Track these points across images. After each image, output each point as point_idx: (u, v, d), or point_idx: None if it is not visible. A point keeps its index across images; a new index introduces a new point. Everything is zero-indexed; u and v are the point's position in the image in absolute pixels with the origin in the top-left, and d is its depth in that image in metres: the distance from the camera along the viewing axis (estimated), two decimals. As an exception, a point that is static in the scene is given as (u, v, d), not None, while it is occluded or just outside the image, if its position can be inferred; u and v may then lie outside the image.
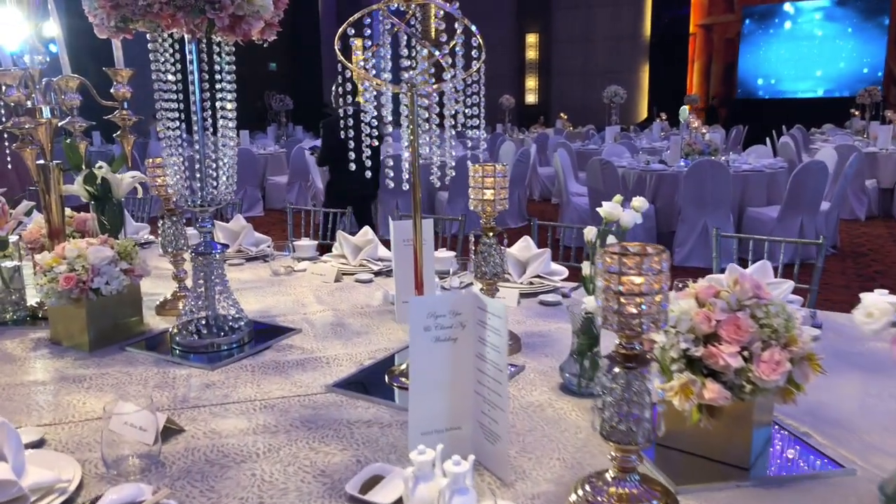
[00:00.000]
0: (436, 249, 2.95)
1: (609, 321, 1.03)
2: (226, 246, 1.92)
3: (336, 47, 1.48)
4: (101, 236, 1.96)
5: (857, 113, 13.18)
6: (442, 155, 1.61)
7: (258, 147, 10.69)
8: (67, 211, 2.38)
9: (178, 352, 1.85)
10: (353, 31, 1.49)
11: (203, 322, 1.86)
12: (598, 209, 1.65)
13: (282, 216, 9.44)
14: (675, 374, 1.21)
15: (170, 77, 1.73)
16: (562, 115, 16.17)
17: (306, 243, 2.97)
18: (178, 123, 1.77)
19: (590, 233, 1.63)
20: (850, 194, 8.16)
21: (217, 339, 1.85)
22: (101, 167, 2.24)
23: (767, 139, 10.61)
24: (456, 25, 1.47)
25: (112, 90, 2.19)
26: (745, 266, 2.15)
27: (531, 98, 19.55)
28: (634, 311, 1.00)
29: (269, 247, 3.07)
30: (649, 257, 0.99)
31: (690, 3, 18.38)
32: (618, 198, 1.66)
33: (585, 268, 1.63)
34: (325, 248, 3.11)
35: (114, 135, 2.25)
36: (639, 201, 1.64)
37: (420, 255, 1.63)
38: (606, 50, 18.90)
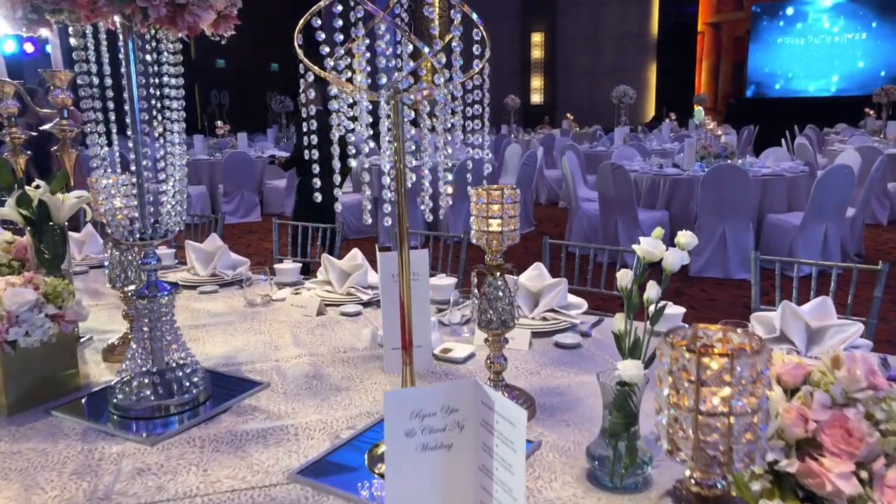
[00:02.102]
0: (433, 274, 2.62)
1: (678, 450, 0.69)
2: (175, 286, 1.58)
3: (296, 42, 1.14)
4: (26, 274, 1.62)
5: (871, 112, 12.79)
6: (434, 177, 1.27)
7: (256, 150, 10.35)
8: (7, 235, 2.06)
9: (115, 417, 1.51)
10: (319, 22, 1.15)
11: (146, 381, 1.52)
12: (633, 246, 1.30)
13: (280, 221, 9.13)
14: (760, 499, 0.87)
15: (94, 80, 1.39)
16: (568, 115, 15.81)
17: (289, 266, 2.63)
18: (106, 139, 1.43)
19: (624, 278, 1.28)
20: (872, 198, 7.78)
21: (164, 402, 1.52)
22: (37, 187, 1.90)
23: (783, 140, 10.24)
24: (453, 14, 1.13)
25: (49, 97, 1.85)
26: (770, 283, 1.81)
27: (536, 98, 19.18)
28: (719, 437, 0.66)
29: (247, 269, 2.73)
30: (745, 358, 0.64)
31: (698, 1, 17.99)
32: (658, 232, 1.31)
33: (618, 321, 1.29)
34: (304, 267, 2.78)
35: (52, 148, 1.92)
36: (685, 237, 1.29)
37: (408, 304, 1.29)
38: (613, 49, 18.52)
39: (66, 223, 1.99)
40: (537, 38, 18.91)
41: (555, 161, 10.53)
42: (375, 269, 2.41)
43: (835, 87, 16.75)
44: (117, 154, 1.55)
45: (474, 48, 1.13)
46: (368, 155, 1.28)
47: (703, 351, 0.66)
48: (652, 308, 1.25)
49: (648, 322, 1.26)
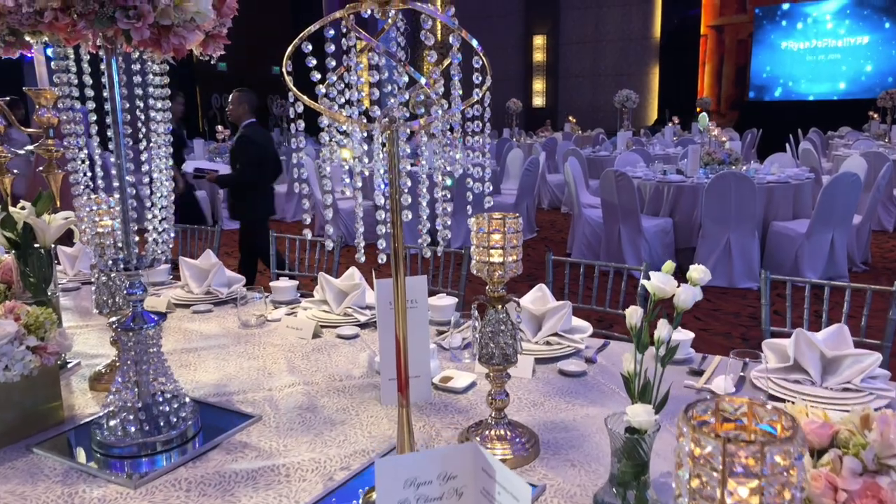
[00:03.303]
0: (433, 292, 2.55)
1: (701, 543, 0.62)
2: (162, 316, 1.51)
3: (284, 70, 1.07)
4: (7, 303, 1.55)
5: (875, 116, 12.70)
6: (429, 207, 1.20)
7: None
8: (-8, 256, 1.99)
9: (98, 455, 1.44)
10: (309, 48, 1.08)
11: (131, 416, 1.46)
12: (643, 282, 1.23)
13: (280, 226, 9.05)
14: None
15: (77, 105, 1.32)
16: (570, 118, 15.74)
17: (285, 285, 2.56)
18: (89, 161, 1.36)
19: (633, 315, 1.21)
20: (879, 205, 7.70)
21: (149, 439, 1.45)
22: (23, 208, 1.84)
23: (787, 145, 10.16)
24: (452, 40, 1.06)
25: (35, 115, 1.79)
26: (777, 293, 1.73)
27: (538, 101, 19.11)
28: (747, 532, 0.59)
29: (243, 286, 2.67)
30: (777, 445, 0.57)
31: (701, 3, 17.91)
32: (669, 265, 1.24)
33: (627, 361, 1.22)
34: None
35: (38, 169, 1.85)
36: (698, 271, 1.22)
37: (403, 344, 1.23)
38: (615, 51, 18.44)
39: (54, 245, 1.93)
40: (539, 41, 18.83)
41: (557, 165, 10.46)
42: (371, 284, 2.35)
43: (836, 90, 16.66)
44: (100, 175, 1.48)
45: (474, 76, 1.06)
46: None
47: (731, 436, 0.60)
48: (663, 349, 1.19)
49: (659, 363, 1.19)
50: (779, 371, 1.71)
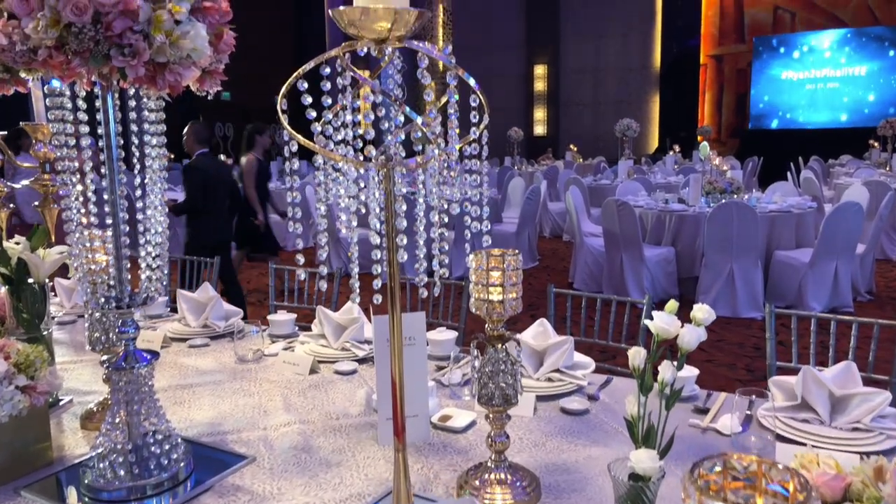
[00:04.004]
0: (432, 324, 2.51)
1: None
2: (155, 355, 1.48)
3: (279, 108, 1.06)
4: (-2, 341, 1.52)
5: (876, 144, 12.75)
6: (430, 243, 1.18)
7: (258, 183, 10.30)
8: (-14, 291, 1.96)
9: (87, 499, 1.40)
10: (305, 86, 1.07)
11: (121, 459, 1.42)
12: (646, 321, 1.20)
13: (280, 255, 9.03)
14: None
15: (70, 141, 1.31)
16: (571, 146, 15.83)
17: (283, 318, 2.53)
18: (83, 196, 1.34)
19: (636, 357, 1.18)
20: (882, 234, 7.67)
21: (139, 482, 1.41)
22: (17, 243, 1.82)
23: (788, 173, 10.18)
24: (448, 79, 1.05)
25: (31, 150, 1.78)
26: (785, 325, 1.70)
27: (540, 129, 19.25)
28: None
29: (242, 318, 2.63)
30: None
31: (700, 33, 18.12)
32: (672, 305, 1.21)
33: (630, 405, 1.18)
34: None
35: (33, 204, 1.84)
36: (702, 311, 1.19)
37: (400, 387, 1.19)
38: (616, 80, 18.62)
39: (50, 278, 1.91)
40: (540, 70, 19.04)
41: (559, 193, 10.48)
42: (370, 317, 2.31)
43: (836, 119, 16.76)
44: (94, 210, 1.46)
45: (472, 115, 1.05)
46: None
47: (751, 489, 0.56)
48: (668, 391, 1.15)
49: (664, 406, 1.16)
50: (786, 409, 1.67)
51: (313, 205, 7.88)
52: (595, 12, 18.33)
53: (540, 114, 19.27)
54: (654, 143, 17.97)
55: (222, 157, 10.70)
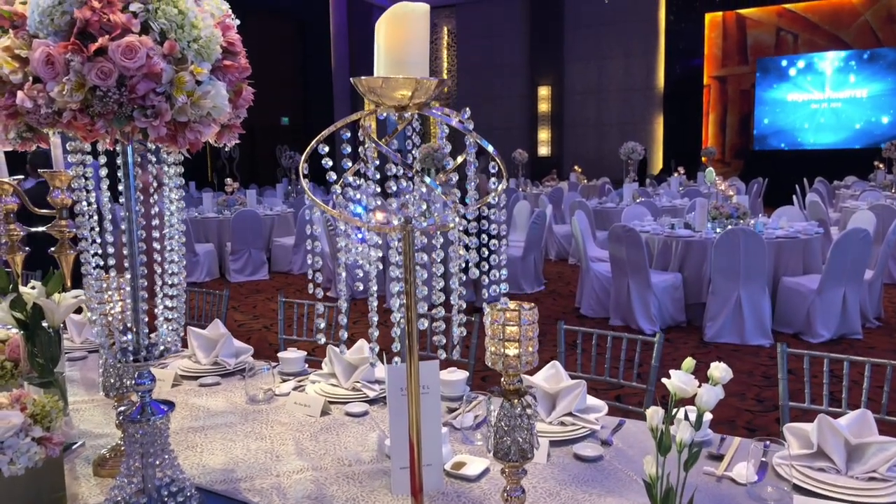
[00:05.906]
0: (444, 366, 2.51)
1: None
2: (171, 406, 1.48)
3: (301, 173, 1.07)
4: (14, 392, 1.53)
5: (881, 166, 12.77)
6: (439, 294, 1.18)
7: (265, 207, 10.37)
8: (1, 333, 1.97)
9: (101, 553, 1.40)
10: (325, 149, 1.08)
11: (136, 512, 1.41)
12: (664, 380, 1.20)
13: (287, 279, 9.06)
14: None
15: (91, 198, 1.32)
16: (576, 167, 15.89)
17: (293, 356, 2.53)
18: (100, 251, 1.35)
19: (654, 417, 1.18)
20: (890, 259, 7.66)
21: (154, 535, 1.40)
22: (33, 288, 1.83)
23: (794, 197, 10.19)
24: (466, 141, 1.06)
25: (49, 197, 1.80)
26: (792, 353, 1.69)
27: (544, 150, 19.35)
28: None
29: (249, 356, 2.64)
30: None
31: (703, 54, 18.23)
32: (688, 363, 1.22)
33: (648, 465, 1.18)
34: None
35: (49, 250, 1.85)
36: (719, 370, 1.19)
37: (417, 443, 1.19)
38: (619, 101, 18.74)
39: (62, 324, 1.92)
40: (544, 91, 19.17)
41: (564, 216, 10.49)
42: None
43: (842, 140, 16.80)
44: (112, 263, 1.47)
45: (492, 182, 1.06)
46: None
47: None
48: (685, 453, 1.15)
49: (682, 467, 1.15)
50: (802, 458, 1.66)
51: (319, 223, 7.89)
52: (598, 33, 18.50)
53: (544, 134, 19.37)
54: (658, 163, 18.03)
55: (228, 180, 10.76)
